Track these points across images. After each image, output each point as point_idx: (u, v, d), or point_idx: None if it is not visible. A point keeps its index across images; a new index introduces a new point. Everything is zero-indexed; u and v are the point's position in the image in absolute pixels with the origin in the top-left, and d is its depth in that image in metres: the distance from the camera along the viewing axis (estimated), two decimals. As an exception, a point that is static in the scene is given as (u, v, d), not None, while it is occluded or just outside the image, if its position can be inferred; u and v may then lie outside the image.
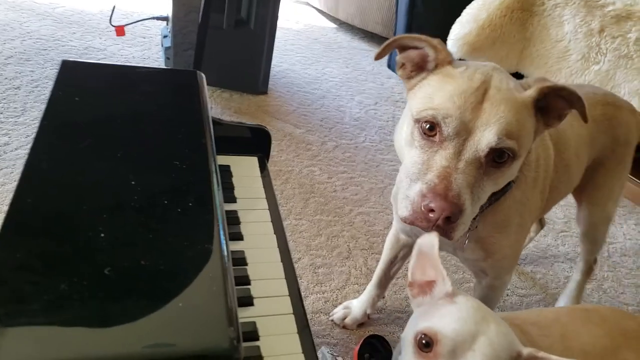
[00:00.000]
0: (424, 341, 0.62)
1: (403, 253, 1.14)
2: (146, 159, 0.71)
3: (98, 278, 0.53)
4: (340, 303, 1.45)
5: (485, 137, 0.60)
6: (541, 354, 0.60)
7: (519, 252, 0.93)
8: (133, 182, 0.66)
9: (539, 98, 0.68)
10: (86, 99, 0.81)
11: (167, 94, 0.86)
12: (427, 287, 0.69)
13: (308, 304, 1.43)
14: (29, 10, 2.61)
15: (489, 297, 0.94)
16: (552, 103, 0.70)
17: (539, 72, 2.39)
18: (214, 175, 0.71)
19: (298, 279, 1.49)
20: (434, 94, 0.65)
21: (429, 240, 0.64)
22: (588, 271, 1.51)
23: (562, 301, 1.55)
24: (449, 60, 0.71)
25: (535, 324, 0.79)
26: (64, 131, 0.74)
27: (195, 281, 0.56)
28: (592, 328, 0.84)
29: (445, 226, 0.58)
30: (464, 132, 0.61)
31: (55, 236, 0.57)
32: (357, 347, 1.30)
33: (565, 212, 2.15)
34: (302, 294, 1.46)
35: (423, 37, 0.71)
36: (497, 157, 0.62)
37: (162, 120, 0.80)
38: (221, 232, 0.63)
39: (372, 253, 1.64)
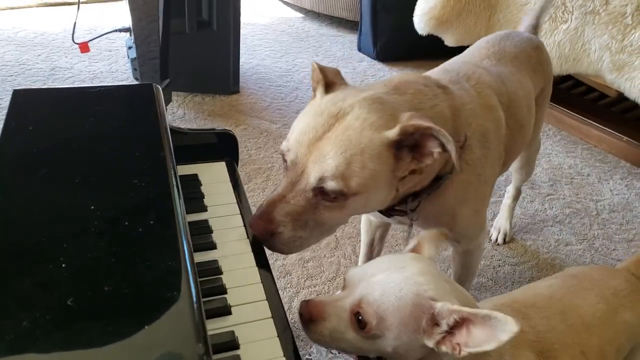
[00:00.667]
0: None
1: (379, 234, 1.17)
2: (104, 182, 0.71)
3: (61, 310, 0.53)
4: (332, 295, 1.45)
5: (310, 176, 0.64)
6: (454, 307, 0.59)
7: (483, 216, 0.95)
8: (92, 207, 0.66)
9: (402, 137, 0.66)
10: (40, 127, 0.80)
11: (121, 112, 0.85)
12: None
13: (300, 299, 1.44)
14: (-11, 38, 2.56)
15: (468, 261, 0.98)
16: (422, 141, 0.68)
17: (509, 38, 2.38)
18: (175, 188, 0.71)
19: (287, 275, 1.50)
20: (294, 124, 0.72)
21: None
22: (517, 195, 1.75)
23: (498, 224, 1.77)
24: (322, 89, 0.74)
25: (534, 306, 0.80)
26: (19, 163, 0.73)
27: (160, 301, 0.56)
28: (586, 296, 0.85)
29: (264, 240, 0.69)
30: (300, 166, 0.65)
31: (14, 273, 0.56)
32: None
33: (550, 175, 2.16)
34: (294, 289, 1.46)
35: (318, 67, 0.75)
36: (326, 194, 0.65)
37: (118, 139, 0.79)
38: (185, 247, 0.62)
39: (360, 240, 1.64)
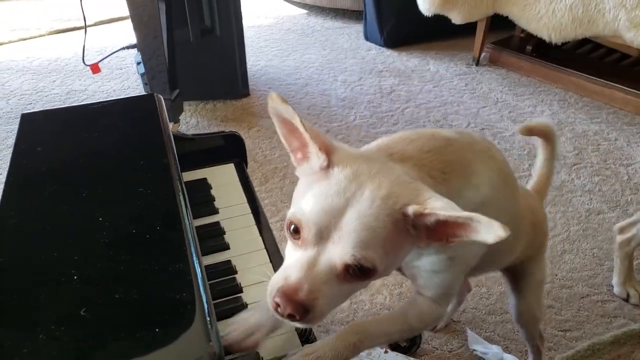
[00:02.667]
0: (292, 227, 0.61)
1: None
2: (111, 193, 0.72)
3: (75, 321, 0.54)
4: (355, 299, 1.44)
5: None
6: (428, 209, 0.56)
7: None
8: (100, 219, 0.67)
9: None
10: (47, 147, 0.82)
11: (125, 124, 0.86)
12: (305, 155, 0.65)
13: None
14: (7, 70, 2.65)
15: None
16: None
17: (517, 7, 2.31)
18: (180, 194, 0.71)
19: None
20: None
21: (286, 109, 0.61)
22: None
23: None
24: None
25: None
26: (29, 183, 0.74)
27: (171, 305, 0.56)
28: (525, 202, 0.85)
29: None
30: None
31: (29, 288, 0.58)
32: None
33: (574, 143, 2.09)
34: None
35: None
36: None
37: (123, 150, 0.80)
38: (192, 250, 0.63)
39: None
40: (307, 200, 0.61)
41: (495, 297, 1.44)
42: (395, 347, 1.25)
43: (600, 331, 1.35)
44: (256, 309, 0.69)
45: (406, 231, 0.59)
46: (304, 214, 0.60)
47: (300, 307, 0.57)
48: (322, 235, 0.58)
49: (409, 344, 1.27)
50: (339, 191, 0.59)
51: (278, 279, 0.59)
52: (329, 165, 0.62)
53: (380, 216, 0.57)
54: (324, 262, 0.58)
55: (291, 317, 0.57)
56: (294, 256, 0.61)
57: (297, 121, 0.61)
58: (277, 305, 0.58)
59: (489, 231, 0.54)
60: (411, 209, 0.57)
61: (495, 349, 1.27)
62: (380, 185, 0.60)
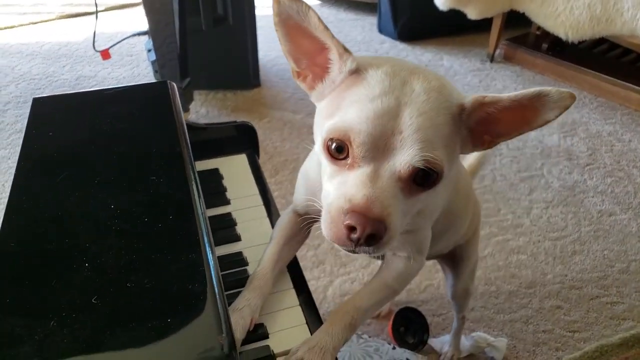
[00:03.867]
0: (334, 146, 0.52)
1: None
2: (123, 180, 0.71)
3: (86, 308, 0.53)
4: (366, 282, 1.43)
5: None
6: (488, 97, 0.52)
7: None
8: (112, 206, 0.66)
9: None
10: (59, 132, 0.81)
11: (138, 111, 0.85)
12: (321, 69, 0.56)
13: (335, 287, 1.43)
14: (17, 54, 2.65)
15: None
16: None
17: (535, 4, 2.27)
18: (193, 183, 0.70)
19: (321, 264, 1.49)
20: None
21: (298, 6, 0.51)
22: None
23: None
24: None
25: None
26: (41, 168, 0.74)
27: (182, 295, 0.55)
28: None
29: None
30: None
31: (40, 275, 0.57)
32: (390, 322, 1.28)
33: (588, 144, 2.06)
34: (328, 278, 1.45)
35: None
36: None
37: (135, 137, 0.79)
38: (205, 240, 0.62)
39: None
40: (347, 111, 0.51)
41: (504, 297, 1.42)
42: (402, 344, 1.24)
43: (608, 333, 1.34)
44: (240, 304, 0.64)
45: (459, 130, 0.53)
46: (351, 125, 0.50)
47: (380, 224, 0.49)
48: (378, 146, 0.50)
49: (417, 341, 1.26)
50: (384, 90, 0.51)
51: (339, 204, 0.50)
52: (358, 68, 0.53)
53: (440, 110, 0.51)
54: (387, 173, 0.50)
55: (370, 239, 0.49)
56: (347, 177, 0.51)
57: (313, 19, 0.52)
58: (350, 229, 0.49)
59: (557, 102, 0.50)
60: (469, 100, 0.52)
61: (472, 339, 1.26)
62: (428, 78, 0.53)
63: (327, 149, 0.53)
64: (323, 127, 0.54)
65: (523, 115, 0.52)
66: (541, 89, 0.50)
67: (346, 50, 0.54)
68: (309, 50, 0.56)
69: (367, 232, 0.49)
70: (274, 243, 0.73)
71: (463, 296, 1.11)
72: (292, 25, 0.55)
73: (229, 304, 0.66)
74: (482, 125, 0.54)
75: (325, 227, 0.52)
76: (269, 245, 0.74)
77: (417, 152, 0.49)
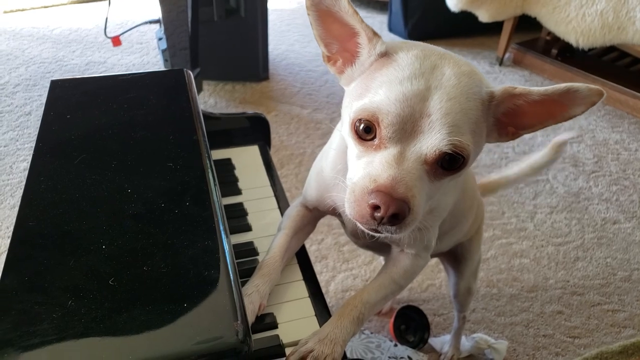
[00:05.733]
0: (362, 127, 0.52)
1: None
2: (140, 165, 0.71)
3: (103, 290, 0.54)
4: (369, 278, 1.44)
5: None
6: (518, 89, 0.52)
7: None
8: (129, 190, 0.66)
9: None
10: (76, 115, 0.81)
11: (154, 97, 0.85)
12: (351, 54, 0.57)
13: (337, 282, 1.43)
14: (28, 37, 2.65)
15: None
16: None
17: (547, 9, 2.27)
18: (209, 171, 0.70)
19: (324, 259, 1.49)
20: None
21: None
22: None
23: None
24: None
25: None
26: (58, 150, 0.74)
27: (198, 280, 0.56)
28: None
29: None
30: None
31: (58, 255, 0.58)
32: (391, 320, 1.29)
33: (594, 151, 2.06)
34: (330, 273, 1.46)
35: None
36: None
37: (152, 123, 0.80)
38: (221, 227, 0.62)
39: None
40: (377, 92, 0.51)
41: (506, 299, 1.43)
42: (403, 342, 1.25)
43: (609, 340, 1.34)
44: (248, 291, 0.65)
45: (486, 119, 0.53)
46: (380, 106, 0.50)
47: (403, 204, 0.49)
48: (406, 128, 0.50)
49: (417, 339, 1.27)
50: (414, 73, 0.51)
51: (364, 184, 0.51)
52: (387, 51, 0.54)
53: (470, 96, 0.51)
54: (413, 155, 0.50)
55: (394, 218, 0.49)
56: (373, 158, 0.52)
57: (343, 3, 0.53)
58: (374, 208, 0.49)
59: (586, 98, 0.50)
60: (499, 89, 0.52)
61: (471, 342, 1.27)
62: (458, 63, 0.53)
63: (355, 129, 0.53)
64: (351, 108, 0.54)
65: (550, 109, 0.53)
66: (571, 84, 0.51)
67: (375, 34, 0.54)
68: (340, 34, 0.56)
69: (391, 211, 0.49)
70: (283, 234, 0.74)
71: (465, 295, 1.11)
72: (324, 9, 0.55)
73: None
74: (508, 117, 0.54)
75: (349, 206, 0.52)
76: (277, 235, 0.75)
77: (445, 136, 0.49)
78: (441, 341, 1.28)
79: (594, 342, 1.34)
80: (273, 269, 0.69)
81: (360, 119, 0.52)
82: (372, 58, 0.55)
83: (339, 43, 0.58)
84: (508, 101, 0.53)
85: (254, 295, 0.65)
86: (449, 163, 0.51)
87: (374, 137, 0.52)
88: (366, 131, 0.52)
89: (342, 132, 0.59)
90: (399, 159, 0.51)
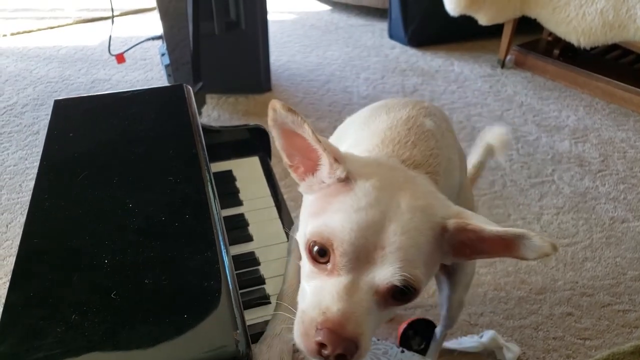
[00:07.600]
0: (316, 249, 0.52)
1: None
2: (141, 180, 0.73)
3: (106, 303, 0.55)
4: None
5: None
6: (471, 225, 0.51)
7: None
8: (130, 205, 0.68)
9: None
10: (79, 133, 0.83)
11: (155, 113, 0.87)
12: (313, 162, 0.57)
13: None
14: (35, 57, 2.70)
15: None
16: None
17: (546, 10, 2.27)
18: (208, 183, 0.72)
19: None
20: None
21: (293, 118, 0.53)
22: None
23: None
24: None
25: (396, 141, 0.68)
26: (62, 168, 0.76)
27: (198, 292, 0.57)
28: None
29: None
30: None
31: (61, 270, 0.59)
32: (403, 325, 1.29)
33: (600, 150, 2.05)
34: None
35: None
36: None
37: (153, 139, 0.81)
38: (220, 239, 0.63)
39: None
40: (332, 217, 0.52)
41: (514, 302, 1.42)
42: (409, 348, 1.25)
43: (620, 341, 1.33)
44: (265, 344, 0.61)
45: (440, 247, 0.54)
46: (334, 232, 0.50)
47: (351, 344, 0.49)
48: (360, 257, 0.50)
49: (425, 345, 1.26)
50: (371, 203, 0.51)
51: (313, 314, 0.50)
52: (347, 176, 0.54)
53: (423, 230, 0.52)
54: (365, 286, 0.50)
55: (340, 357, 0.49)
56: (325, 284, 0.52)
57: (307, 132, 0.53)
58: (321, 345, 0.49)
59: (538, 249, 0.49)
60: (452, 223, 0.53)
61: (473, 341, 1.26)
62: (415, 196, 0.54)
63: (310, 250, 0.53)
64: (307, 225, 0.55)
65: (505, 245, 0.52)
66: (526, 232, 0.50)
67: (337, 160, 0.54)
68: (302, 147, 0.57)
69: (338, 351, 0.49)
70: (294, 257, 0.72)
71: (457, 308, 1.09)
72: (287, 128, 0.56)
73: (243, 303, 0.67)
74: (464, 244, 0.54)
75: (297, 336, 0.52)
76: (289, 260, 0.73)
77: (397, 270, 0.50)
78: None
79: (605, 343, 1.32)
80: (293, 299, 0.66)
81: (315, 241, 0.52)
82: (332, 180, 0.55)
83: (301, 154, 0.58)
84: (461, 234, 0.53)
85: (284, 333, 0.62)
86: (400, 294, 0.51)
87: (328, 261, 0.52)
88: (320, 254, 0.52)
89: (297, 238, 0.59)
90: (351, 290, 0.50)
